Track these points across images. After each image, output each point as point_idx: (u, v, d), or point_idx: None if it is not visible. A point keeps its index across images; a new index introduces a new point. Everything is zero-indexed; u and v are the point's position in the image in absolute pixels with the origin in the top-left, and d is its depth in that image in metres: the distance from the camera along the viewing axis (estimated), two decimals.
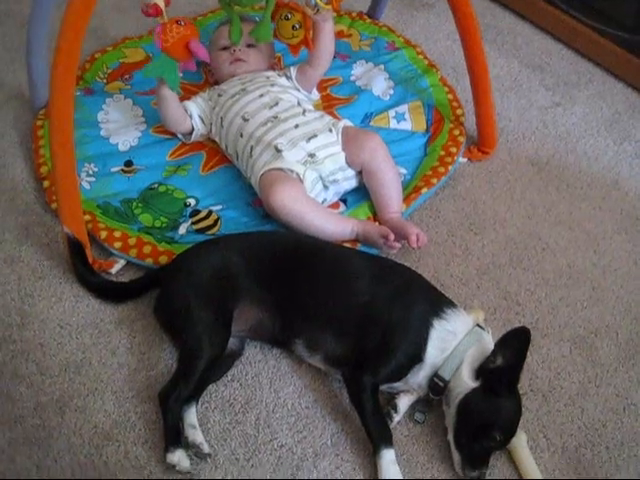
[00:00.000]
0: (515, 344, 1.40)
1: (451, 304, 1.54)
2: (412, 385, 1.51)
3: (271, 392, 1.55)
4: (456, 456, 1.45)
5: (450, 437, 1.47)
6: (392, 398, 1.52)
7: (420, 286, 1.60)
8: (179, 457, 1.39)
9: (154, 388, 1.51)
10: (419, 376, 1.49)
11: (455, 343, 1.48)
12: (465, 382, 1.45)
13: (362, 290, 1.55)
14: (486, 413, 1.42)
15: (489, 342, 1.48)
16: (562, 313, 1.70)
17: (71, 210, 1.66)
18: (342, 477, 1.44)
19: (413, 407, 1.54)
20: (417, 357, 1.48)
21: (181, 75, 1.86)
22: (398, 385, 1.52)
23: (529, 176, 2.08)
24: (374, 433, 1.44)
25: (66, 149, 1.62)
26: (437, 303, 1.54)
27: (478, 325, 1.53)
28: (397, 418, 1.51)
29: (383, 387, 1.52)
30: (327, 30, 1.97)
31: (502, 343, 1.41)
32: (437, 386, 1.48)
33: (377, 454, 1.43)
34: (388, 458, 1.42)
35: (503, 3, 2.72)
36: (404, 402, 1.52)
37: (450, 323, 1.50)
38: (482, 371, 1.43)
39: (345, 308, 1.54)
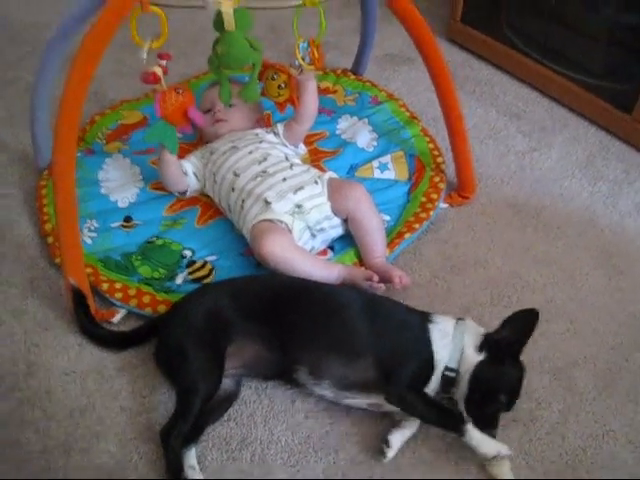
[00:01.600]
0: (523, 321, 1.59)
1: (430, 313, 1.69)
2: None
3: (265, 430, 1.62)
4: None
5: (461, 407, 1.59)
6: (385, 435, 1.58)
7: (404, 305, 1.73)
8: None
9: (155, 429, 1.57)
10: (435, 379, 1.60)
11: (450, 337, 1.61)
12: (472, 359, 1.58)
13: (357, 314, 1.65)
14: (492, 379, 1.58)
15: (475, 325, 1.66)
16: (542, 346, 1.77)
17: (74, 262, 1.74)
18: None
19: None
20: (430, 358, 1.59)
21: (180, 136, 1.97)
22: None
23: (508, 218, 2.17)
24: (446, 423, 1.54)
25: (69, 204, 1.70)
26: (422, 313, 1.68)
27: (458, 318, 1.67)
28: (391, 453, 1.56)
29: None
30: (310, 89, 2.09)
31: (511, 319, 1.60)
32: (449, 379, 1.59)
33: (463, 435, 1.51)
34: (473, 431, 1.51)
35: (480, 55, 2.86)
36: (397, 437, 1.58)
37: (440, 324, 1.64)
38: (486, 344, 1.60)
39: (344, 333, 1.63)
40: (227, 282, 1.79)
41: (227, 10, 1.77)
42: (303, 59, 1.99)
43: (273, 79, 2.06)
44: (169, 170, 2.03)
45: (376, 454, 1.57)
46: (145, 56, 1.76)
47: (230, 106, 2.11)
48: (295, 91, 2.09)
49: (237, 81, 2.13)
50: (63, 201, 1.71)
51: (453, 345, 1.61)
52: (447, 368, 1.60)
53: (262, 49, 1.88)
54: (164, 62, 1.83)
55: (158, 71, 1.81)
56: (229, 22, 1.79)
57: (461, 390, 1.59)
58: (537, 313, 1.58)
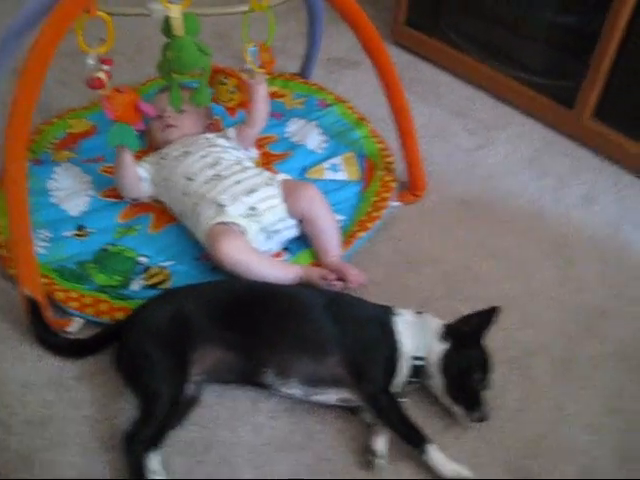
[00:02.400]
0: (482, 315, 1.66)
1: (391, 307, 1.73)
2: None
3: (229, 432, 1.62)
4: (456, 409, 1.63)
5: (445, 399, 1.64)
6: (368, 446, 1.58)
7: (365, 301, 1.76)
8: None
9: (118, 437, 1.55)
10: (403, 370, 1.63)
11: (414, 328, 1.66)
12: (438, 348, 1.63)
13: (321, 313, 1.67)
14: (463, 362, 1.63)
15: (434, 317, 1.72)
16: (498, 337, 1.79)
17: (28, 273, 1.72)
18: None
19: None
20: (395, 350, 1.63)
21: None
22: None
23: (459, 214, 2.21)
24: (410, 437, 1.55)
25: (21, 215, 1.69)
26: (384, 307, 1.72)
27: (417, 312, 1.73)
28: (382, 461, 1.56)
29: None
30: (261, 92, 2.10)
31: (471, 314, 1.67)
32: (418, 367, 1.63)
33: (422, 454, 1.52)
34: (434, 452, 1.52)
35: (425, 57, 2.91)
36: (380, 444, 1.58)
37: (403, 316, 1.69)
38: (447, 333, 1.66)
39: (310, 332, 1.65)
40: (189, 287, 1.78)
41: (175, 15, 1.77)
42: (253, 63, 2.00)
43: (223, 83, 2.07)
44: (127, 173, 2.02)
45: (362, 467, 1.57)
46: (92, 62, 1.76)
47: (180, 112, 2.11)
48: (246, 94, 2.10)
49: (187, 87, 2.13)
50: (16, 212, 1.69)
51: (418, 335, 1.65)
52: (415, 357, 1.63)
53: (211, 53, 1.88)
54: (107, 67, 1.82)
55: (102, 76, 1.80)
56: (178, 27, 1.79)
57: (436, 381, 1.64)
58: (495, 308, 1.65)
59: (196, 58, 1.84)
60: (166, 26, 1.81)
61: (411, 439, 1.55)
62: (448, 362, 1.63)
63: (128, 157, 1.99)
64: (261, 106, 2.12)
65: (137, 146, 1.96)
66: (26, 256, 1.73)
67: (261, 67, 2.03)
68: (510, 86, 2.64)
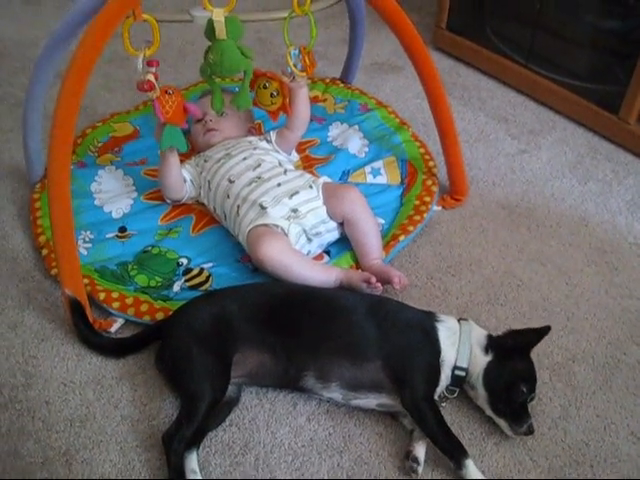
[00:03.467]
0: (529, 332, 1.65)
1: (434, 312, 1.72)
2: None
3: (268, 434, 1.61)
4: (502, 423, 1.60)
5: (489, 412, 1.62)
6: (409, 452, 1.56)
7: (408, 306, 1.75)
8: None
9: (156, 437, 1.56)
10: (443, 377, 1.62)
11: (458, 336, 1.64)
12: (480, 360, 1.61)
13: (364, 317, 1.66)
14: (507, 376, 1.60)
15: (477, 326, 1.70)
16: (541, 343, 1.75)
17: (71, 273, 1.74)
18: None
19: None
20: (439, 358, 1.61)
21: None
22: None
23: (501, 219, 2.18)
24: (449, 448, 1.52)
25: (65, 215, 1.70)
26: (427, 313, 1.71)
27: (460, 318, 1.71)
28: (421, 469, 1.54)
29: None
30: (302, 96, 2.10)
31: (519, 330, 1.66)
32: (459, 377, 1.62)
33: (461, 468, 1.50)
34: (472, 468, 1.49)
35: (467, 62, 2.90)
36: (421, 451, 1.56)
37: (446, 322, 1.67)
38: (491, 345, 1.63)
39: (352, 336, 1.64)
40: (231, 289, 1.79)
41: (218, 18, 1.78)
42: (295, 66, 2.00)
43: (265, 87, 2.06)
44: (172, 174, 2.04)
45: (402, 472, 1.55)
46: (141, 65, 1.77)
47: (222, 115, 2.11)
48: (287, 99, 2.10)
49: (228, 91, 2.14)
50: (59, 212, 1.70)
51: (462, 344, 1.63)
52: (457, 367, 1.62)
53: (253, 57, 1.89)
54: (154, 69, 1.84)
55: (151, 78, 1.82)
56: (220, 30, 1.80)
57: (480, 395, 1.62)
58: (548, 327, 1.65)
59: (238, 61, 1.85)
60: (209, 29, 1.82)
61: (450, 451, 1.52)
62: (491, 376, 1.60)
63: (175, 159, 2.00)
64: (302, 109, 2.12)
65: (186, 148, 1.98)
66: (69, 256, 1.74)
67: (303, 70, 2.03)
68: (553, 91, 2.62)
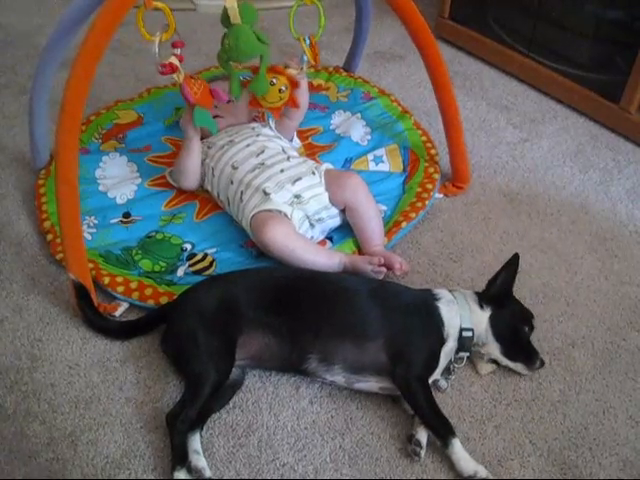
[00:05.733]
0: (510, 269, 1.73)
1: (429, 289, 1.77)
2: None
3: (271, 416, 1.63)
4: (518, 367, 1.71)
5: (505, 361, 1.71)
6: (411, 435, 1.58)
7: (409, 288, 1.78)
8: (185, 475, 1.47)
9: (160, 419, 1.58)
10: (450, 345, 1.67)
11: (456, 304, 1.70)
12: (482, 317, 1.70)
13: (366, 298, 1.68)
14: (511, 322, 1.71)
15: (464, 290, 1.77)
16: (540, 328, 1.80)
17: (76, 257, 1.75)
18: None
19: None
20: (440, 340, 1.65)
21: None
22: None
23: (502, 206, 2.20)
24: (437, 426, 1.55)
25: (72, 200, 1.71)
26: (425, 291, 1.76)
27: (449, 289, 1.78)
28: (423, 452, 1.56)
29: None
30: (304, 87, 2.12)
31: (495, 277, 1.74)
32: (467, 338, 1.67)
33: (447, 447, 1.52)
34: (458, 447, 1.52)
35: (469, 51, 2.91)
36: (423, 435, 1.57)
37: (444, 297, 1.71)
38: (483, 300, 1.72)
39: (354, 317, 1.65)
40: (236, 273, 1.80)
41: (231, 4, 1.80)
42: (310, 52, 2.00)
43: (273, 84, 2.04)
44: (194, 158, 2.06)
45: (408, 457, 1.56)
46: (157, 50, 1.78)
47: (228, 102, 2.13)
48: (293, 91, 2.11)
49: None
50: (66, 196, 1.71)
51: (462, 308, 1.68)
52: (463, 329, 1.66)
53: (269, 42, 1.90)
54: (178, 50, 1.85)
55: (174, 61, 1.83)
56: (234, 16, 1.82)
57: (493, 348, 1.70)
58: (515, 255, 1.73)
59: (253, 46, 1.87)
60: (224, 16, 1.83)
61: (438, 430, 1.55)
62: (498, 326, 1.69)
63: (198, 145, 2.04)
64: (301, 99, 2.13)
65: (216, 130, 2.02)
66: (74, 241, 1.75)
67: (312, 59, 2.03)
68: (555, 80, 2.63)
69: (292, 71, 2.03)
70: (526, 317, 1.74)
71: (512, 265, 1.72)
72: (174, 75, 1.85)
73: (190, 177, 2.10)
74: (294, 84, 2.05)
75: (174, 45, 1.84)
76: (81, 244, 1.78)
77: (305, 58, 2.01)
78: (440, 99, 2.15)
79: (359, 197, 1.96)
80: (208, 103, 1.93)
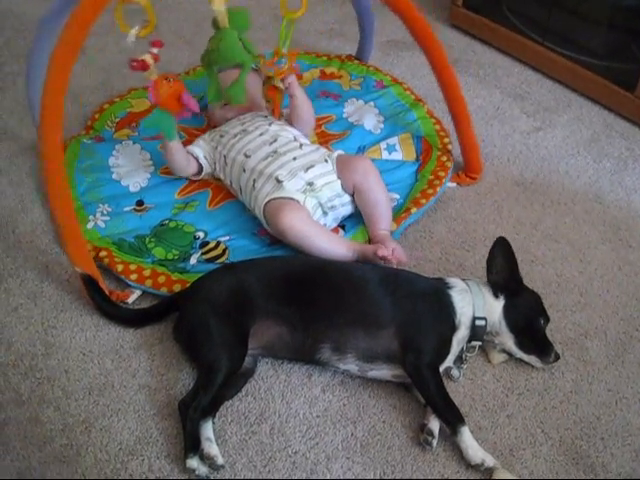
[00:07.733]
0: (500, 254, 1.70)
1: (442, 278, 1.77)
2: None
3: (283, 404, 1.64)
4: (532, 359, 1.70)
5: (519, 353, 1.70)
6: (424, 425, 1.58)
7: (421, 276, 1.78)
8: (198, 462, 1.48)
9: (173, 406, 1.59)
10: (463, 333, 1.67)
11: (469, 292, 1.69)
12: (495, 306, 1.69)
13: (378, 287, 1.68)
14: (524, 312, 1.70)
15: (476, 279, 1.76)
16: (553, 318, 1.78)
17: (77, 251, 1.78)
18: (353, 477, 1.51)
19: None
20: (452, 327, 1.65)
21: (177, 121, 1.97)
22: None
23: (515, 195, 2.19)
24: (447, 415, 1.56)
25: (62, 197, 1.73)
26: (437, 280, 1.75)
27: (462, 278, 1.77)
28: (435, 441, 1.56)
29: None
30: (297, 94, 2.11)
31: (489, 259, 1.72)
32: (480, 327, 1.67)
33: (456, 435, 1.53)
34: (467, 434, 1.53)
35: (483, 39, 2.89)
36: (436, 425, 1.58)
37: (456, 286, 1.71)
38: (495, 289, 1.70)
39: (367, 306, 1.66)
40: (249, 262, 1.80)
41: (219, 8, 1.80)
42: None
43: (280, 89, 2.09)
44: (175, 156, 2.05)
45: (420, 446, 1.57)
46: (133, 39, 1.77)
47: (198, 114, 2.13)
48: (278, 104, 2.13)
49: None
50: (55, 194, 1.74)
51: (475, 297, 1.68)
52: (476, 318, 1.66)
53: (255, 53, 1.89)
54: (156, 50, 1.83)
55: (148, 58, 1.81)
56: (221, 20, 1.82)
57: (506, 338, 1.69)
58: (503, 239, 1.70)
59: (234, 52, 1.87)
60: (215, 18, 1.83)
61: (447, 417, 1.55)
62: (512, 317, 1.68)
63: (170, 142, 2.01)
64: (304, 107, 2.15)
65: (173, 136, 1.98)
66: (73, 235, 1.78)
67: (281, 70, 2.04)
68: (569, 68, 2.61)
69: (275, 81, 2.07)
70: (542, 309, 1.72)
71: (501, 248, 1.70)
72: (145, 73, 1.84)
73: (177, 170, 2.11)
74: (277, 97, 2.11)
75: (152, 44, 1.83)
76: (80, 237, 1.82)
77: (283, 61, 2.02)
78: (444, 91, 2.15)
79: (368, 180, 1.95)
80: (173, 107, 1.89)
